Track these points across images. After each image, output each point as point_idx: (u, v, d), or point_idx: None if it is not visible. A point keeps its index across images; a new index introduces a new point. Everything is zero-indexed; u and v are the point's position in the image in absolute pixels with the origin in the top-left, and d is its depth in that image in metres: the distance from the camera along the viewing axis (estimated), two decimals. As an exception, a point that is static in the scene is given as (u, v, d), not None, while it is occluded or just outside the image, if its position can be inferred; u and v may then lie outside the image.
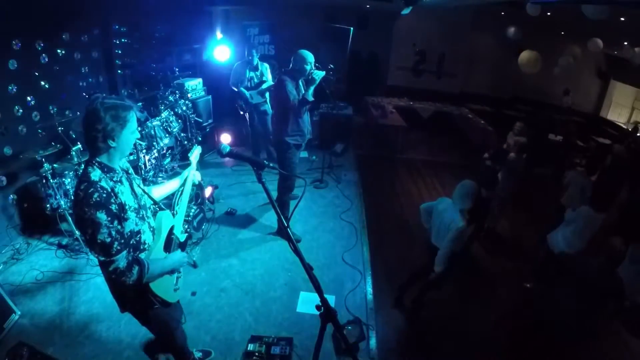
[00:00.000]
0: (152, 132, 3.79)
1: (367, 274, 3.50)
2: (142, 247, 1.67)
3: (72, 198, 1.48)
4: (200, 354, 2.52)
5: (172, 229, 1.87)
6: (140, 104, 3.93)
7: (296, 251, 1.34)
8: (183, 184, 2.09)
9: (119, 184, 1.57)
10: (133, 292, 1.65)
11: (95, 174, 1.49)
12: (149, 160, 3.61)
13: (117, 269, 1.48)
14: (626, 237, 3.52)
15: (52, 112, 3.66)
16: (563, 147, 7.28)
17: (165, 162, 4.00)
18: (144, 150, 3.52)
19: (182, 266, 1.87)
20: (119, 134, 1.50)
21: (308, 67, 3.38)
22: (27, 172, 3.69)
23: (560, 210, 4.12)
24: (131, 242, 1.60)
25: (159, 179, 4.07)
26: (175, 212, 1.98)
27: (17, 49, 3.46)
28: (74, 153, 3.30)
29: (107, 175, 1.52)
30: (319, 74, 3.41)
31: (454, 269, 2.95)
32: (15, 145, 3.51)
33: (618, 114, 9.02)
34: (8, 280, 3.07)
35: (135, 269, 1.51)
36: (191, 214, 3.46)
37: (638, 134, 7.61)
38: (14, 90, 3.47)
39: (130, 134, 1.56)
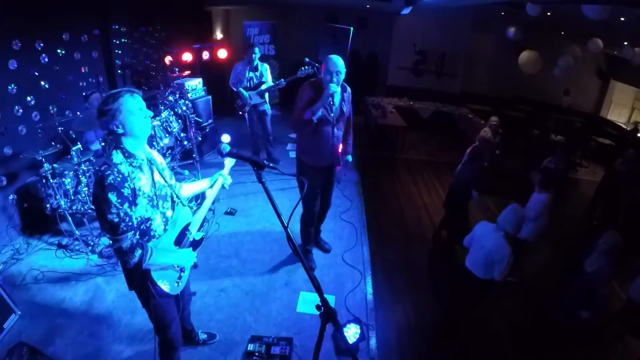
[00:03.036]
0: (152, 132, 3.79)
1: (367, 274, 3.50)
2: (151, 234, 1.74)
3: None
4: (206, 335, 2.64)
5: (187, 225, 1.93)
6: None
7: (296, 251, 1.34)
8: (211, 186, 2.12)
9: (138, 170, 1.66)
10: (139, 275, 1.72)
11: (117, 157, 1.60)
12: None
13: (120, 249, 1.57)
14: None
15: (52, 112, 3.65)
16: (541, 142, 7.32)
17: (165, 162, 4.02)
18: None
19: (188, 265, 1.93)
20: (121, 119, 1.58)
21: (327, 78, 2.79)
22: (27, 172, 3.70)
23: None
24: (141, 227, 1.68)
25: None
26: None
27: (17, 49, 3.46)
28: (73, 153, 3.29)
29: (128, 160, 1.63)
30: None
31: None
32: (15, 145, 3.51)
33: (618, 114, 9.02)
34: (8, 280, 3.07)
35: (138, 252, 1.59)
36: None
37: (639, 134, 7.61)
38: (14, 90, 3.47)
39: (131, 115, 1.59)
